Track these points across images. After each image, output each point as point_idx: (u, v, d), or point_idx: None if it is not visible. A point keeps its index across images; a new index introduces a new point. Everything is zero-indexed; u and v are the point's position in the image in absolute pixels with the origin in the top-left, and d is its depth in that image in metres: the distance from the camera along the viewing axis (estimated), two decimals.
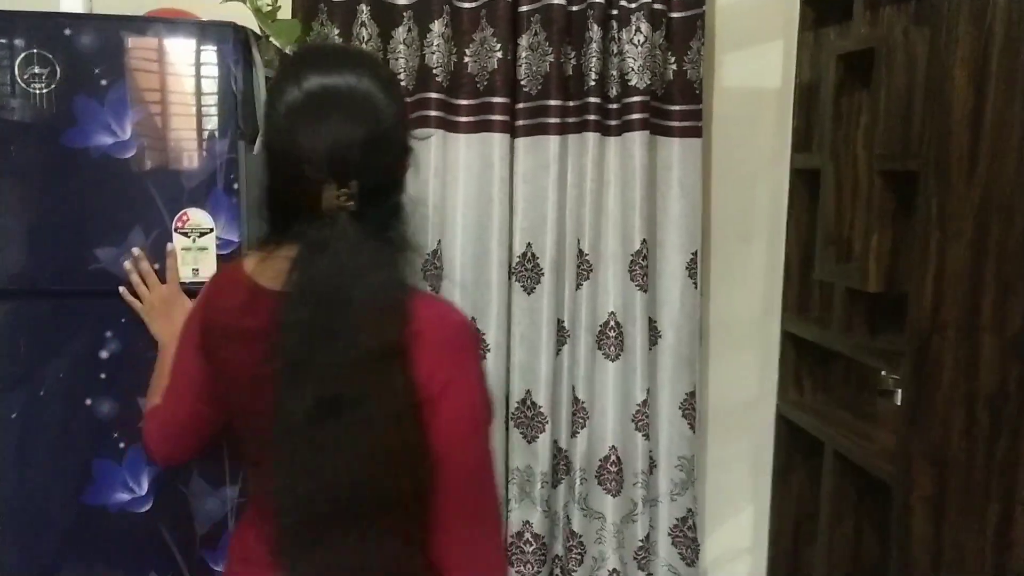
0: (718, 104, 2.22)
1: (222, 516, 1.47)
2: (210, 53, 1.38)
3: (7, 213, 1.37)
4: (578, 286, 2.14)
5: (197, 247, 1.40)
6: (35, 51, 1.33)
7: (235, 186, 1.41)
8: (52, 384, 1.40)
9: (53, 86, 1.34)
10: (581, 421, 2.17)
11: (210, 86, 1.38)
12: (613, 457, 2.18)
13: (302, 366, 0.89)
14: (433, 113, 2.04)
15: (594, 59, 2.03)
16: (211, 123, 1.39)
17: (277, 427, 0.92)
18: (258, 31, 1.49)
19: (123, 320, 1.40)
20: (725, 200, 2.26)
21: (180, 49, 1.37)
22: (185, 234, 1.40)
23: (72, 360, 1.40)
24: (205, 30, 1.37)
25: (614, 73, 2.07)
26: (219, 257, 1.41)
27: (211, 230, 1.40)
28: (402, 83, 2.07)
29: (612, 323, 2.15)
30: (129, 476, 1.43)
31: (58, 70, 1.34)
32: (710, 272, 2.28)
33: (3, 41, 1.33)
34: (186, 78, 1.38)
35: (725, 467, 2.37)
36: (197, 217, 1.40)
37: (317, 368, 0.89)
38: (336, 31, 2.02)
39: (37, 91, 1.34)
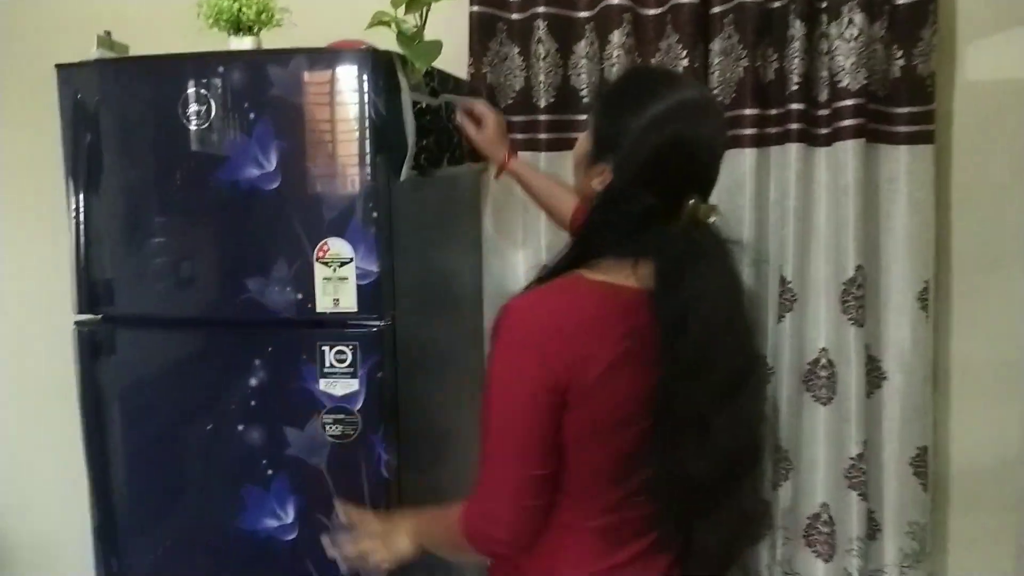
0: (959, 103, 1.84)
1: None
2: (349, 81, 1.36)
3: (167, 246, 1.44)
4: (780, 318, 1.87)
5: (337, 277, 1.38)
6: (195, 90, 1.39)
7: (374, 215, 1.37)
8: (207, 410, 1.45)
9: (209, 122, 1.39)
10: (784, 472, 1.90)
11: (349, 114, 1.36)
12: (824, 516, 1.88)
13: (711, 355, 0.99)
14: None
15: (797, 60, 1.77)
16: (350, 152, 1.37)
17: (670, 418, 1.00)
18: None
19: (270, 348, 1.41)
20: (968, 217, 1.87)
21: (320, 79, 1.36)
22: (326, 264, 1.38)
23: (225, 387, 1.44)
24: (344, 58, 1.36)
25: (823, 75, 1.80)
26: (359, 287, 1.38)
27: (350, 260, 1.38)
28: (584, 99, 1.95)
29: (823, 361, 1.86)
30: (276, 503, 1.44)
31: (213, 107, 1.39)
32: (950, 304, 1.90)
33: (172, 82, 1.40)
34: (325, 107, 1.37)
35: (974, 539, 1.95)
36: (337, 247, 1.38)
37: (726, 353, 1.00)
38: (516, 49, 1.96)
39: (196, 127, 1.40)
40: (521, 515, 1.01)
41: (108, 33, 1.64)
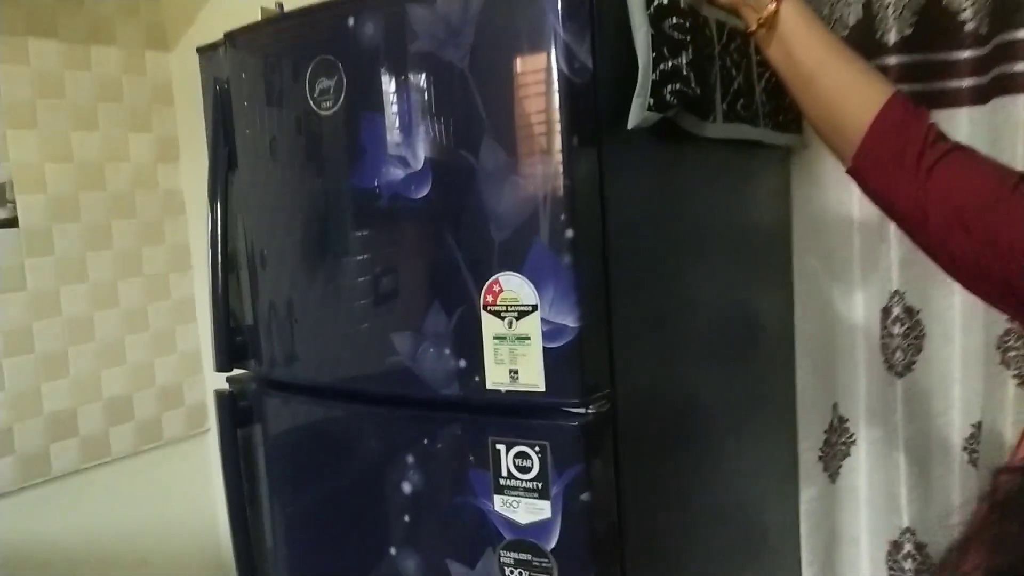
0: None
1: None
2: (531, 21, 0.82)
3: (301, 284, 1.03)
4: None
5: (514, 335, 0.85)
6: (322, 57, 0.95)
7: (568, 233, 0.82)
8: (355, 521, 1.01)
9: (340, 102, 0.94)
10: None
11: (529, 67, 0.82)
12: None
13: None
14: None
15: None
16: (535, 132, 0.83)
17: None
18: None
19: (425, 441, 0.93)
20: None
21: (484, 20, 0.84)
22: (497, 314, 0.86)
23: (374, 492, 0.99)
24: None
25: None
26: (547, 353, 0.84)
27: (533, 308, 0.84)
28: (965, 26, 1.21)
29: None
30: None
31: (344, 79, 0.94)
32: None
33: (298, 51, 0.98)
34: (494, 61, 0.84)
35: None
36: (512, 286, 0.85)
37: None
38: None
39: (326, 112, 0.96)
40: None
41: (280, 5, 1.29)
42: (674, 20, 0.86)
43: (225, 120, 1.10)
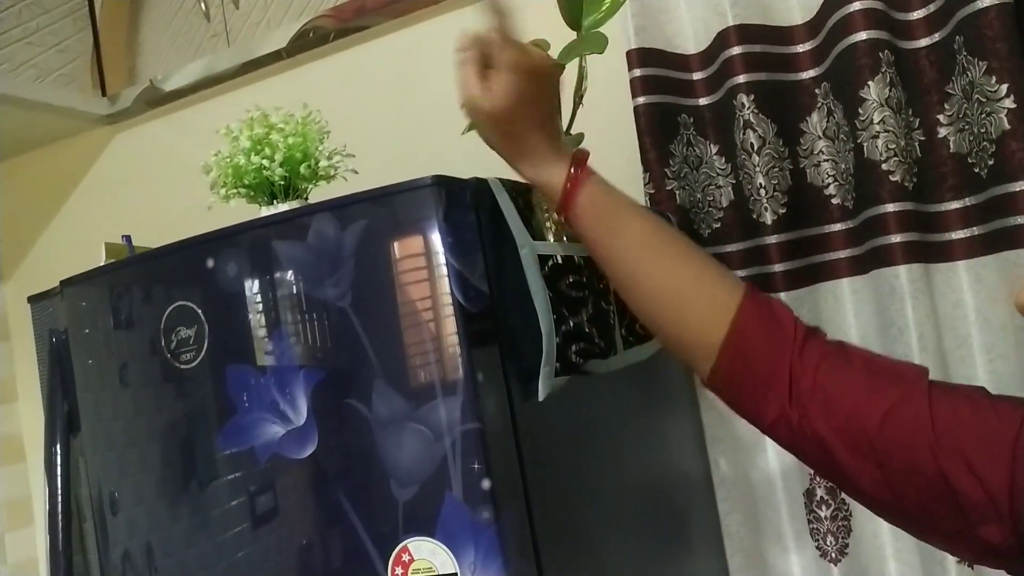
0: None
1: None
2: (408, 243, 0.74)
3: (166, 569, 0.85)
4: None
5: None
6: (179, 304, 0.83)
7: (485, 484, 0.70)
8: None
9: (203, 354, 0.82)
10: None
11: (416, 301, 0.74)
12: None
13: None
14: (896, 239, 1.14)
15: None
16: (435, 371, 0.73)
17: None
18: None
19: None
20: None
21: (364, 254, 0.75)
22: None
23: None
24: (393, 204, 0.74)
25: None
26: None
27: None
28: (832, 200, 1.24)
29: None
30: None
31: (206, 328, 0.82)
32: None
33: (150, 297, 0.86)
34: (385, 300, 0.75)
35: None
36: (425, 554, 0.72)
37: None
38: (714, 148, 1.30)
39: (186, 366, 0.83)
40: None
41: (128, 238, 1.17)
42: (571, 279, 0.81)
43: (64, 376, 0.94)
